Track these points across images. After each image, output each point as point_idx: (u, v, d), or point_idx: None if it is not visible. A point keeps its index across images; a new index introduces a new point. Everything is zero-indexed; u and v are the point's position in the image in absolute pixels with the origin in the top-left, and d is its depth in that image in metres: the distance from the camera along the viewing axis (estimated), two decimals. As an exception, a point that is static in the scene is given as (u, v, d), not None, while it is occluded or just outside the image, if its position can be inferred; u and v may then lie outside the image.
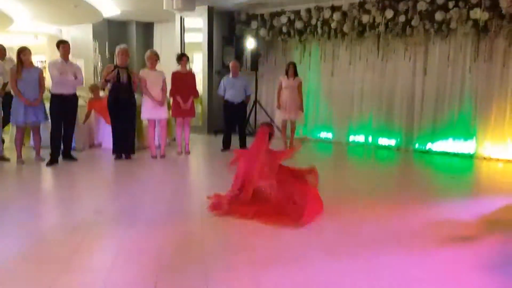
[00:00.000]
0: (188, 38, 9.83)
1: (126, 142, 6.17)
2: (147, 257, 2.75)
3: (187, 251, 2.89)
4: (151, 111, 6.24)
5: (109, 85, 6.05)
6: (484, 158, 6.92)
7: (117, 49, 6.16)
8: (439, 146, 7.35)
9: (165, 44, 10.57)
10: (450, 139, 7.24)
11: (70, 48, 6.00)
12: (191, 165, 6.45)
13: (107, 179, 5.39)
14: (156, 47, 10.57)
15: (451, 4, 6.95)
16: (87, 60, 9.85)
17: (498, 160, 6.82)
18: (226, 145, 7.20)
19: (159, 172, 5.72)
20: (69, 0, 7.85)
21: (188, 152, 6.75)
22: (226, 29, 9.57)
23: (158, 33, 11.11)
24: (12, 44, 12.05)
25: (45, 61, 11.99)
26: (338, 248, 3.02)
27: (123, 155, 6.20)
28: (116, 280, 2.42)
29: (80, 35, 10.32)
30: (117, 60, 6.15)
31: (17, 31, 10.43)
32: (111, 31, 10.37)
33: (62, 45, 5.83)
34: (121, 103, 6.01)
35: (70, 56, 5.98)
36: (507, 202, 4.34)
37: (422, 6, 7.19)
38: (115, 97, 6.00)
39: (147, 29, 11.10)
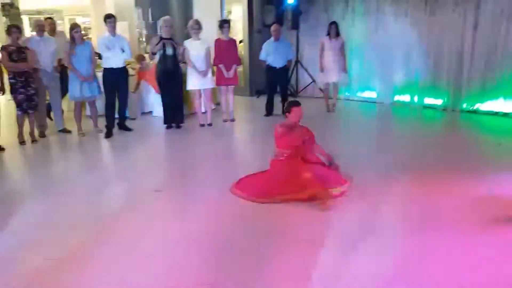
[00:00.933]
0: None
1: (176, 112, 6.48)
2: (200, 241, 3.08)
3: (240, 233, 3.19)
4: (196, 82, 6.44)
5: (156, 57, 6.27)
6: (537, 119, 6.67)
7: (161, 21, 6.29)
8: (488, 106, 7.11)
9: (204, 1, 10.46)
10: (501, 99, 6.97)
11: (116, 20, 6.17)
12: (236, 134, 6.71)
13: (161, 152, 5.77)
14: (196, 4, 10.51)
15: (509, -49, 6.40)
16: (131, 23, 10.02)
17: (552, 120, 6.55)
18: (269, 111, 7.35)
19: (209, 142, 6.02)
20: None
21: (233, 120, 6.98)
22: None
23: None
24: (53, 5, 12.42)
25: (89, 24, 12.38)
26: (382, 228, 3.19)
27: (174, 125, 6.53)
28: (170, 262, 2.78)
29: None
30: (162, 32, 6.30)
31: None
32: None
33: (109, 20, 6.01)
34: (168, 74, 6.23)
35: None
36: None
37: (475, -46, 6.68)
38: (162, 69, 6.23)
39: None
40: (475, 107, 7.24)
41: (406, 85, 7.94)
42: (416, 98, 7.85)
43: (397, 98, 8.11)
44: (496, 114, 7.02)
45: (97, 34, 12.03)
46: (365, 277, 2.55)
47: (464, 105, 7.34)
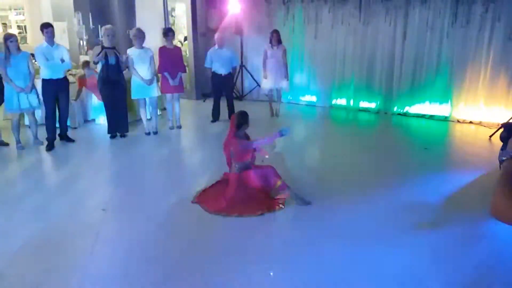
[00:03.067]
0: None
1: (120, 122, 6.46)
2: (148, 257, 3.22)
3: (191, 253, 3.37)
4: (140, 90, 6.46)
5: (98, 66, 6.20)
6: (458, 121, 7.41)
7: (103, 29, 6.22)
8: (416, 109, 7.78)
9: (147, 1, 10.32)
10: (427, 102, 7.66)
11: (54, 29, 6.00)
12: (183, 142, 6.80)
13: (106, 165, 5.65)
14: (138, 5, 10.36)
15: (431, -32, 7.01)
16: (70, 22, 9.67)
17: (471, 122, 7.32)
18: (216, 117, 7.52)
19: (155, 151, 6.08)
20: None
21: (179, 127, 7.08)
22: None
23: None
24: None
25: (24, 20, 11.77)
26: (318, 239, 3.51)
27: (118, 134, 6.51)
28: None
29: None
30: (103, 41, 6.23)
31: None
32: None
33: (46, 30, 5.82)
34: (111, 83, 6.20)
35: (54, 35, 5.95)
36: (471, 178, 4.82)
37: (403, -31, 7.23)
38: (104, 78, 6.18)
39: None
40: (405, 110, 7.90)
41: (343, 90, 8.45)
42: (352, 102, 8.39)
43: (335, 101, 8.60)
44: (423, 116, 7.70)
45: (32, 34, 11.58)
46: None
47: (395, 108, 7.98)
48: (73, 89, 6.86)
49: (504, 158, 1.25)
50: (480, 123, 7.21)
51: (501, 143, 4.48)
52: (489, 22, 6.91)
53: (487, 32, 6.97)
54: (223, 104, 7.52)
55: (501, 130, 4.69)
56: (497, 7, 6.77)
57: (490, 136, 6.39)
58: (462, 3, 7.03)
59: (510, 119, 6.00)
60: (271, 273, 2.97)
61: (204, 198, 4.18)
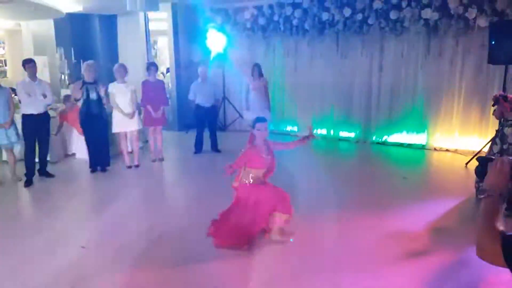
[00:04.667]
0: (153, 26, 9.88)
1: (101, 155, 6.43)
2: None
3: None
4: (122, 124, 6.47)
5: (79, 103, 6.22)
6: (435, 149, 7.61)
7: (84, 65, 6.28)
8: (394, 138, 7.98)
9: (130, 35, 10.48)
10: (404, 132, 7.87)
11: (36, 64, 6.03)
12: (166, 175, 6.79)
13: (86, 200, 5.58)
14: (121, 39, 10.52)
15: (404, 4, 7.35)
16: (51, 56, 9.71)
17: (447, 150, 7.52)
18: (199, 148, 7.55)
19: (136, 185, 6.03)
20: (29, 3, 7.69)
21: (161, 159, 7.07)
22: (191, 26, 9.58)
23: (123, 24, 10.97)
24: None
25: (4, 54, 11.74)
26: (300, 272, 3.51)
27: (99, 168, 6.46)
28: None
29: (41, 30, 10.08)
30: (85, 76, 6.27)
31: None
32: (74, 26, 10.16)
33: (28, 65, 5.85)
34: (92, 118, 6.21)
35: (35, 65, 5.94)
36: (450, 205, 4.93)
37: (377, 4, 7.55)
38: (86, 113, 6.19)
39: (110, 22, 10.93)
40: (383, 139, 8.08)
41: (323, 120, 8.62)
42: (332, 132, 8.55)
43: (315, 131, 8.74)
44: (401, 145, 7.89)
45: (12, 69, 11.55)
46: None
47: (374, 138, 8.16)
48: (54, 124, 6.83)
49: (481, 196, 1.32)
50: (456, 151, 7.41)
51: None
52: (460, 54, 7.24)
53: (458, 64, 7.28)
54: (206, 136, 7.57)
55: (477, 164, 4.87)
56: (467, 40, 7.11)
57: (466, 164, 6.57)
58: (434, 37, 7.35)
59: (484, 147, 6.21)
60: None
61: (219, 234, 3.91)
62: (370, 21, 7.68)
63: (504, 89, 6.16)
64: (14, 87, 6.47)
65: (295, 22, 8.40)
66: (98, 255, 3.88)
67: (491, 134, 5.07)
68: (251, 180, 3.90)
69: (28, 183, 5.89)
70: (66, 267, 3.61)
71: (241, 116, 9.19)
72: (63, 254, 3.85)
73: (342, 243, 4.01)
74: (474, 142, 7.17)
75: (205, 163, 7.13)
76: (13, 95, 6.13)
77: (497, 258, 1.22)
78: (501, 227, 1.27)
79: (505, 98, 4.82)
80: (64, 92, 8.17)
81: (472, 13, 6.79)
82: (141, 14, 9.57)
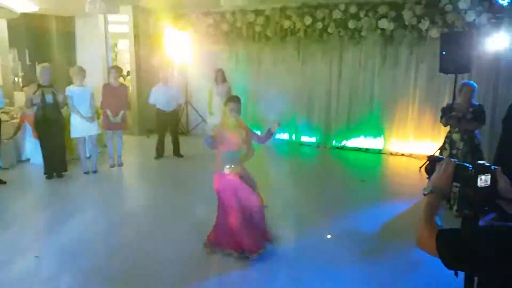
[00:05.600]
0: (113, 29, 9.69)
1: (57, 161, 6.22)
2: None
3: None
4: (80, 128, 6.29)
5: (35, 108, 6.00)
6: (391, 153, 7.92)
7: (40, 67, 6.07)
8: (353, 142, 8.23)
9: (89, 37, 10.22)
10: (362, 137, 8.14)
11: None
12: (124, 180, 6.64)
13: (40, 207, 5.33)
14: (79, 41, 10.24)
15: (362, 14, 7.62)
16: (4, 58, 9.30)
17: (402, 155, 7.84)
18: (160, 153, 7.46)
19: (93, 192, 5.86)
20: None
21: (120, 165, 6.92)
22: (153, 29, 9.48)
23: (81, 26, 10.68)
24: None
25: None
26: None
27: (55, 174, 6.25)
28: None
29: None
30: (40, 80, 6.06)
31: None
32: (29, 26, 9.79)
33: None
34: (48, 122, 6.00)
35: None
36: (404, 207, 5.14)
37: (337, 14, 7.79)
38: (41, 117, 5.98)
39: (68, 23, 10.60)
40: (342, 144, 8.32)
41: (286, 125, 8.75)
42: (294, 136, 8.71)
43: (278, 136, 8.87)
44: (359, 149, 8.15)
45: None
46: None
47: (334, 142, 8.38)
48: (5, 128, 6.53)
49: (425, 193, 1.42)
50: (411, 155, 7.74)
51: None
52: (414, 63, 7.59)
53: (412, 73, 7.63)
54: (168, 140, 7.49)
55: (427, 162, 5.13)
56: (421, 50, 7.46)
57: (420, 168, 6.87)
58: (390, 46, 7.66)
59: (435, 153, 6.53)
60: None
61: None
62: (329, 30, 7.91)
63: (454, 97, 6.50)
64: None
65: (257, 29, 8.50)
66: (51, 265, 3.74)
67: (443, 138, 5.34)
68: (229, 169, 3.76)
69: (-22, 190, 5.62)
70: (17, 278, 3.47)
71: (204, 120, 9.17)
72: (14, 264, 3.71)
73: (299, 242, 4.10)
74: (427, 147, 7.52)
75: (166, 168, 7.06)
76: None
77: (433, 250, 1.32)
78: (438, 222, 1.38)
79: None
80: (17, 95, 7.86)
81: (424, 24, 7.14)
82: (101, 16, 9.37)
